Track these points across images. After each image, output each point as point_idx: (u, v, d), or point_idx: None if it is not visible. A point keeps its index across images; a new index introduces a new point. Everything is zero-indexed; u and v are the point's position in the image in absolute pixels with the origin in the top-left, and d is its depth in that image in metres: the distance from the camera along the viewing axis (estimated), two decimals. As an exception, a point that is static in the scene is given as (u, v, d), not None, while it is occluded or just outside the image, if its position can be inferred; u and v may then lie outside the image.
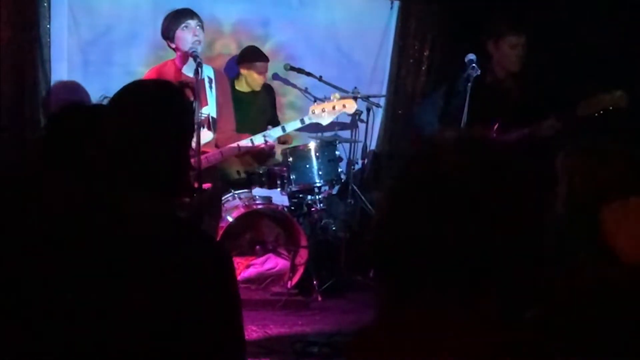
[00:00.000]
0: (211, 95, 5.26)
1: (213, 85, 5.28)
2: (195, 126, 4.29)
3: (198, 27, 5.16)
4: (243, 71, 6.21)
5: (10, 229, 1.85)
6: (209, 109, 5.26)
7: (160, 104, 2.10)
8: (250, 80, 6.21)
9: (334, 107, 5.52)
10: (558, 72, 5.84)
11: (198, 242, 1.95)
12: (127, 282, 1.76)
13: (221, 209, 5.40)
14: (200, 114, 5.19)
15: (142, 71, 6.35)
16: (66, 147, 1.97)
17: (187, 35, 5.10)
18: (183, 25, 5.12)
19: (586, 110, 4.94)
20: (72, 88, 6.12)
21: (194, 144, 4.26)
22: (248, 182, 5.85)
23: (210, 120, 5.25)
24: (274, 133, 5.41)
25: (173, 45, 5.25)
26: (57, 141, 2.03)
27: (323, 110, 5.50)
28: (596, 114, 4.90)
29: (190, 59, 5.13)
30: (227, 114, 5.35)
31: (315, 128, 6.03)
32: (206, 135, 5.19)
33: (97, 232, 1.79)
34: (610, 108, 4.88)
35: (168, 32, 5.23)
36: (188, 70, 5.20)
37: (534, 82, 5.35)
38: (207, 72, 5.33)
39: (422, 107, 5.88)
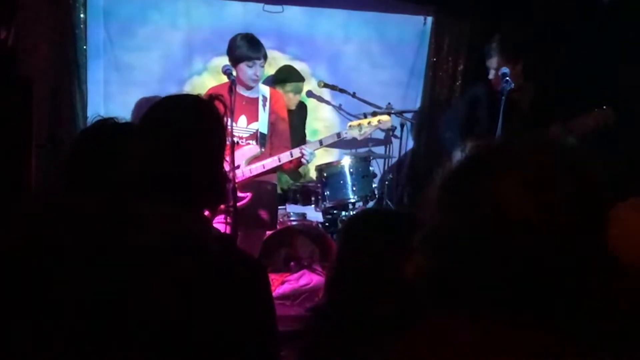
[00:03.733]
0: (263, 113, 5.36)
1: (267, 103, 5.39)
2: (229, 139, 4.36)
3: (261, 68, 5.28)
4: (279, 90, 6.26)
5: (43, 247, 1.89)
6: (259, 125, 5.35)
7: (189, 118, 2.12)
8: (286, 99, 6.26)
9: (369, 123, 5.56)
10: (563, 82, 5.88)
11: (234, 260, 1.98)
12: (160, 301, 1.79)
13: (273, 219, 5.54)
14: (248, 129, 5.34)
15: (178, 91, 6.45)
16: (96, 164, 1.98)
17: (249, 72, 5.24)
18: (251, 62, 5.23)
19: (577, 129, 5.07)
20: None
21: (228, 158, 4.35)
22: (282, 199, 5.90)
23: (259, 135, 5.33)
24: (312, 146, 5.45)
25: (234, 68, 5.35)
26: (87, 157, 2.04)
27: (359, 125, 5.54)
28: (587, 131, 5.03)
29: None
30: (280, 131, 5.46)
31: (349, 144, 6.06)
32: (254, 150, 5.29)
33: (131, 250, 1.81)
34: (600, 125, 5.04)
35: (235, 56, 5.32)
36: (243, 90, 5.36)
37: (541, 92, 5.39)
38: (263, 91, 5.47)
39: (444, 120, 5.90)
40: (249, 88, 5.30)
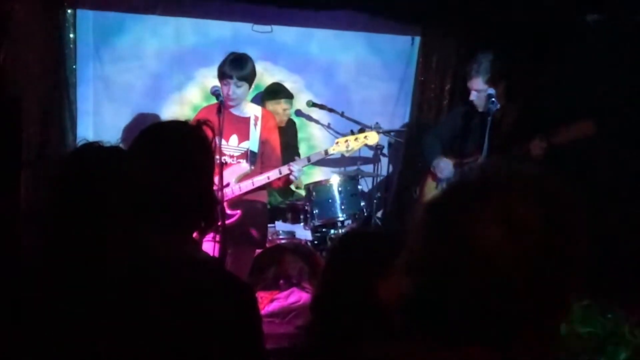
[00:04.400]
0: (254, 132, 5.39)
1: (258, 122, 5.41)
2: (217, 161, 4.39)
3: (236, 87, 5.26)
4: (268, 108, 6.28)
5: (33, 274, 1.91)
6: (250, 144, 5.38)
7: (178, 144, 2.17)
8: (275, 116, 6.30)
9: (356, 139, 5.60)
10: (547, 102, 5.95)
11: (221, 282, 2.01)
12: (149, 325, 1.81)
13: (263, 237, 5.57)
14: (238, 148, 5.37)
15: (166, 110, 6.50)
16: (82, 188, 1.91)
17: (224, 90, 5.23)
18: (224, 81, 5.25)
19: (558, 139, 5.12)
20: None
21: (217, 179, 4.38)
22: (272, 217, 5.92)
23: (249, 154, 5.37)
24: (300, 163, 5.48)
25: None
26: (72, 181, 1.95)
27: (346, 142, 5.58)
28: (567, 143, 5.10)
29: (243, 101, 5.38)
30: (271, 149, 5.49)
31: (337, 163, 6.11)
32: (244, 168, 5.34)
33: (119, 276, 1.83)
34: (580, 137, 5.08)
35: (217, 75, 5.36)
36: (235, 109, 5.38)
37: (525, 112, 5.45)
38: (255, 111, 5.49)
39: (426, 136, 5.93)
40: (230, 107, 5.30)
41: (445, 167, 5.49)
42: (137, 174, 1.96)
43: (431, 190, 5.59)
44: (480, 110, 5.39)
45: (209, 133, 2.27)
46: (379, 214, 6.27)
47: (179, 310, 1.85)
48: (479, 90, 5.35)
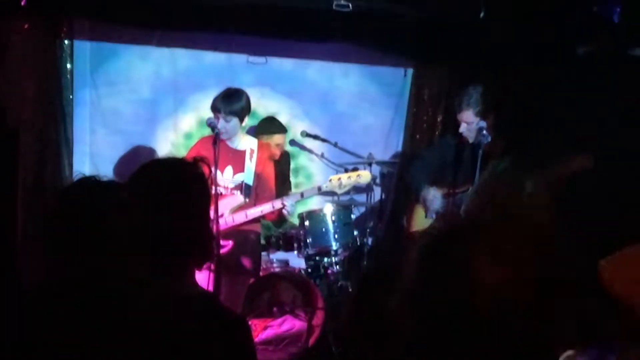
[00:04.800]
0: (249, 165, 5.45)
1: (254, 155, 5.47)
2: (213, 196, 4.43)
3: (225, 122, 5.30)
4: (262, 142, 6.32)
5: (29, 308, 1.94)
6: (245, 177, 5.44)
7: (175, 182, 2.23)
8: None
9: (349, 177, 5.64)
10: (537, 134, 6.00)
11: (215, 316, 2.06)
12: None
13: (256, 266, 5.60)
14: (233, 180, 5.43)
15: (161, 138, 6.56)
16: (78, 222, 1.94)
17: (217, 123, 5.29)
18: (215, 114, 5.32)
19: (555, 176, 5.07)
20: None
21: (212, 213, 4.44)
22: (265, 246, 5.97)
23: (244, 186, 5.43)
24: (293, 198, 5.53)
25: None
26: (68, 216, 1.97)
27: (339, 179, 5.62)
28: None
29: (238, 134, 5.43)
30: (265, 182, 5.55)
31: (331, 192, 6.16)
32: (238, 200, 5.39)
33: (115, 310, 1.87)
34: (578, 170, 5.07)
35: (212, 105, 5.41)
36: (231, 142, 5.44)
37: (514, 144, 5.50)
38: (250, 144, 5.55)
39: (415, 166, 5.97)
40: (213, 128, 5.28)
41: (434, 198, 5.48)
42: (134, 210, 1.99)
43: (420, 219, 5.60)
44: (470, 141, 5.45)
45: (206, 170, 2.32)
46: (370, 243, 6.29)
47: (174, 345, 1.89)
48: (469, 122, 5.38)
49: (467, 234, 1.39)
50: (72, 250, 1.91)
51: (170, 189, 2.21)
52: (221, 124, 5.27)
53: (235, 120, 5.32)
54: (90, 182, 2.03)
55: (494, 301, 1.29)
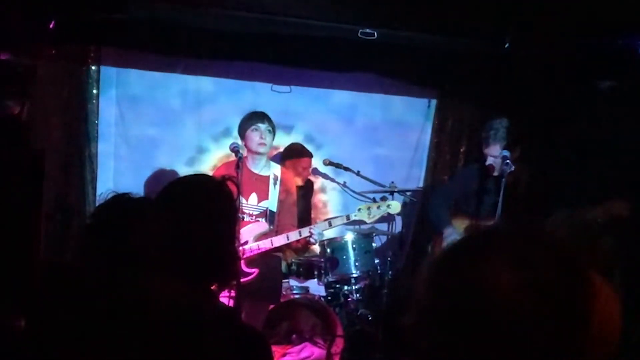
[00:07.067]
0: (274, 191, 5.49)
1: (278, 182, 5.51)
2: (239, 217, 4.46)
3: (267, 132, 5.41)
4: (288, 166, 6.31)
5: (58, 314, 1.96)
6: (269, 204, 5.47)
7: (203, 198, 2.25)
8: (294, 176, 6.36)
9: (379, 207, 5.65)
10: (561, 167, 5.99)
11: (237, 332, 2.08)
12: None
13: (277, 292, 5.60)
14: (258, 207, 5.46)
15: (185, 165, 6.60)
16: (111, 236, 2.02)
17: (255, 137, 5.36)
18: (253, 127, 5.39)
19: (594, 217, 4.99)
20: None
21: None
22: (286, 273, 5.98)
23: (268, 213, 5.45)
24: (320, 227, 5.55)
25: (242, 143, 5.50)
26: (103, 230, 2.07)
27: (369, 209, 5.63)
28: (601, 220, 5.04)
29: (257, 157, 5.48)
30: (288, 209, 5.57)
31: (353, 221, 6.16)
32: (263, 227, 5.41)
33: (139, 322, 1.89)
34: (612, 217, 5.03)
35: (240, 130, 5.51)
36: (255, 167, 5.49)
37: (538, 176, 5.50)
38: (274, 170, 5.59)
39: (436, 195, 5.97)
40: (258, 154, 5.42)
41: (450, 235, 5.44)
42: (165, 225, 2.04)
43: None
44: (495, 173, 5.46)
45: (234, 189, 2.34)
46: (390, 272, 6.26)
47: (199, 357, 1.90)
48: (496, 156, 5.41)
49: (484, 240, 1.36)
50: (105, 264, 1.94)
51: (199, 204, 2.23)
52: (264, 135, 5.38)
53: (272, 135, 5.41)
54: (125, 199, 2.12)
55: (511, 309, 1.24)
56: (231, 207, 2.34)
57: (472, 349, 1.26)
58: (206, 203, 2.24)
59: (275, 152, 6.61)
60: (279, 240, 5.37)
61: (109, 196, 2.17)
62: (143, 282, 1.93)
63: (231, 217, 2.36)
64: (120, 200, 2.12)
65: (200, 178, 2.45)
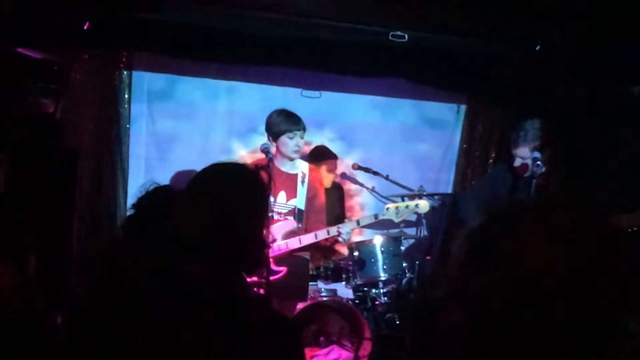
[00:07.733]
0: (302, 189, 5.52)
1: (305, 180, 5.53)
2: (270, 204, 4.48)
3: (301, 139, 5.46)
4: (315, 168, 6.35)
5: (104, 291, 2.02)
6: (297, 202, 5.49)
7: (235, 184, 2.26)
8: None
9: (407, 207, 5.66)
10: (592, 170, 5.95)
11: (270, 316, 2.09)
12: (197, 354, 1.89)
13: (304, 291, 5.60)
14: (287, 205, 5.50)
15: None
16: (149, 224, 2.20)
17: (291, 144, 5.41)
18: (290, 134, 5.41)
19: (624, 225, 5.02)
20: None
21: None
22: (314, 276, 5.98)
23: (297, 211, 5.47)
24: (349, 226, 5.56)
25: (273, 143, 5.51)
26: (145, 217, 2.29)
27: (397, 208, 5.64)
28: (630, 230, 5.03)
29: (287, 158, 5.51)
30: (317, 207, 5.60)
31: (381, 225, 6.16)
32: (291, 225, 5.44)
33: (179, 303, 1.91)
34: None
35: (274, 131, 5.50)
36: (283, 165, 5.53)
37: (570, 179, 5.46)
38: (302, 167, 5.63)
39: (465, 197, 5.94)
40: (290, 159, 5.46)
41: None
42: (196, 212, 2.15)
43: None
44: (525, 174, 5.44)
45: (265, 177, 2.37)
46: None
47: (229, 344, 1.91)
48: (525, 157, 5.38)
49: (519, 214, 1.34)
50: (148, 249, 2.06)
51: (232, 189, 2.24)
52: (299, 142, 5.42)
53: (304, 141, 5.48)
54: (165, 189, 2.47)
55: (548, 281, 1.21)
56: (262, 194, 2.36)
57: (506, 320, 1.24)
58: (238, 189, 2.26)
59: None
60: (308, 239, 5.39)
61: (151, 187, 2.47)
62: (182, 264, 1.99)
63: (262, 205, 2.40)
64: (162, 190, 2.42)
65: (233, 165, 2.48)
